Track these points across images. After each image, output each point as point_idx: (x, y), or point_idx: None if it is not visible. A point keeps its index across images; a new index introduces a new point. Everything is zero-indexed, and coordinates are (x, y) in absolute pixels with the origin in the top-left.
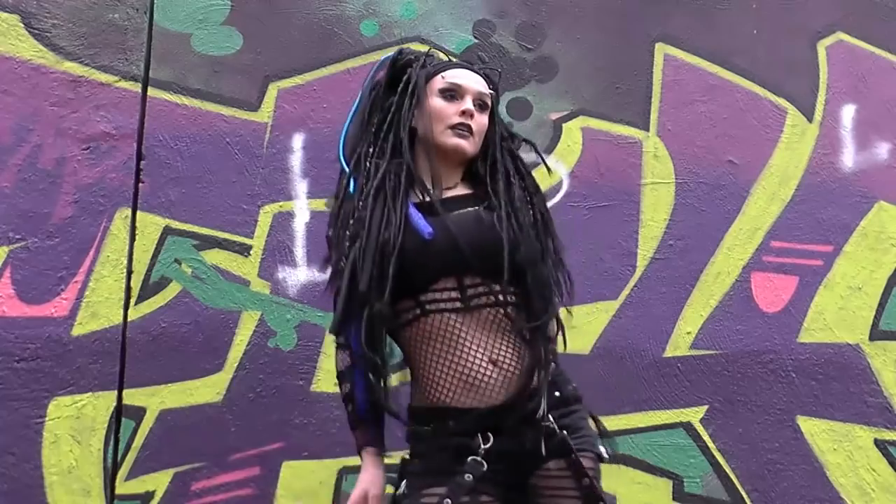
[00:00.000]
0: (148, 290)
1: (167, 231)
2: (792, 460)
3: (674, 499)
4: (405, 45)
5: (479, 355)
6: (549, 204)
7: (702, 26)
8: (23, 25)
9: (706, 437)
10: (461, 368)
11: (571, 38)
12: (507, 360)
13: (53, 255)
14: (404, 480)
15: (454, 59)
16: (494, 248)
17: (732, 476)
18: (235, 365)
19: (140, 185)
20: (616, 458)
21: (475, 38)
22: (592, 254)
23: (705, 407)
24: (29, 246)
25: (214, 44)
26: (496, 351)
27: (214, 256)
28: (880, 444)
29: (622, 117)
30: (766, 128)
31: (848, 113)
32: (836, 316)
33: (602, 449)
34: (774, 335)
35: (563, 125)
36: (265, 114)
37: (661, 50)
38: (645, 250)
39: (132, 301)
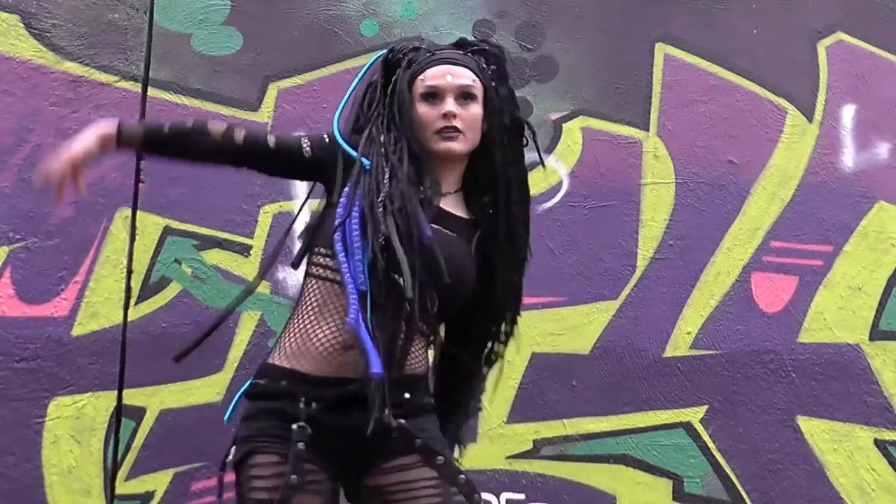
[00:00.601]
0: (148, 290)
1: (167, 231)
2: (792, 460)
3: (674, 499)
4: (400, 43)
5: (341, 335)
6: (549, 204)
7: (702, 26)
8: (23, 25)
9: (706, 437)
10: (323, 336)
11: (571, 38)
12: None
13: (53, 255)
14: (234, 447)
15: (440, 50)
16: (462, 286)
17: (732, 476)
18: (235, 365)
19: (140, 185)
20: (616, 458)
21: (475, 38)
22: (592, 254)
23: (705, 407)
24: (29, 246)
25: (214, 44)
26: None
27: (214, 256)
28: (880, 444)
29: (622, 117)
30: (766, 128)
31: (848, 113)
32: (836, 316)
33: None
34: (774, 335)
35: (563, 125)
36: (265, 114)
37: (661, 50)
38: (645, 250)
39: (132, 301)
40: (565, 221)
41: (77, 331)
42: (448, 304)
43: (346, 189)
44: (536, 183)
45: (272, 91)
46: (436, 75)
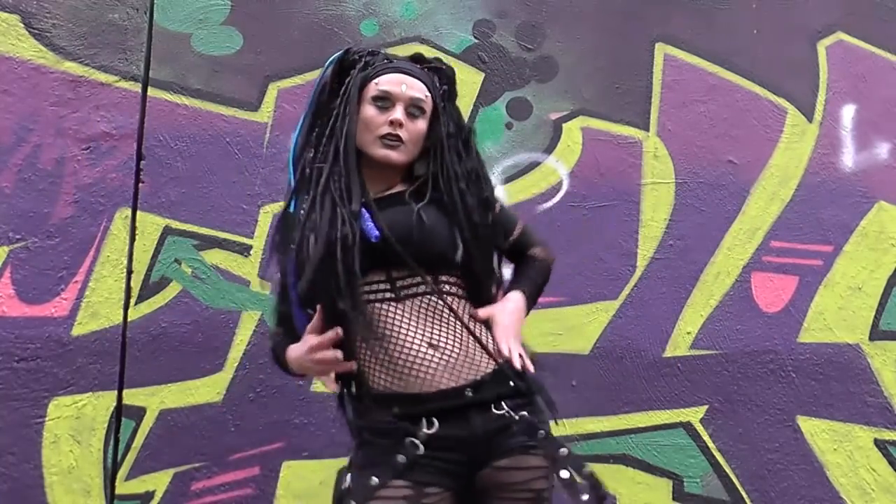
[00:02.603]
0: (148, 290)
1: (167, 231)
2: (792, 460)
3: (674, 499)
4: (357, 46)
5: (416, 340)
6: (549, 204)
7: (702, 26)
8: (23, 25)
9: (706, 437)
10: (400, 353)
11: (571, 38)
12: (447, 345)
13: (53, 255)
14: (348, 474)
15: (397, 60)
16: (424, 241)
17: (732, 476)
18: (235, 365)
19: (140, 185)
20: (616, 458)
21: (475, 38)
22: (592, 254)
23: (705, 407)
24: (29, 246)
25: (214, 44)
26: (434, 335)
27: (214, 256)
28: (880, 444)
29: (622, 117)
30: (766, 128)
31: (848, 113)
32: (836, 316)
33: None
34: (774, 335)
35: (563, 125)
36: (265, 114)
37: (661, 50)
38: (645, 250)
39: (132, 301)
40: (565, 221)
41: (77, 331)
42: (430, 261)
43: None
44: (536, 183)
45: (272, 91)
46: (391, 81)
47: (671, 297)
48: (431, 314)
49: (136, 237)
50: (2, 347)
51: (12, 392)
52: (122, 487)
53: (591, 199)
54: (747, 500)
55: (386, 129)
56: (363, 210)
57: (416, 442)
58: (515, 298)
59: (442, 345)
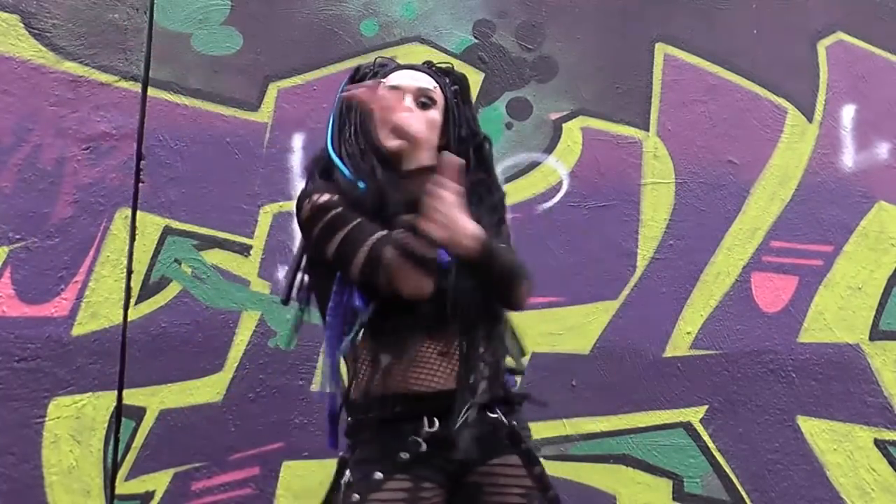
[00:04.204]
0: (148, 290)
1: (167, 231)
2: (792, 460)
3: (674, 499)
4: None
5: (424, 343)
6: (549, 204)
7: (702, 26)
8: (23, 25)
9: (706, 437)
10: (411, 359)
11: (571, 38)
12: (453, 350)
13: (53, 255)
14: (348, 470)
15: (403, 64)
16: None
17: (732, 476)
18: (235, 365)
19: (140, 185)
20: (616, 458)
21: (475, 38)
22: (592, 254)
23: (705, 407)
24: (29, 246)
25: (214, 44)
26: (441, 340)
27: (214, 256)
28: (880, 444)
29: (622, 117)
30: (766, 128)
31: (848, 113)
32: (836, 316)
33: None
34: (774, 335)
35: (563, 125)
36: (265, 114)
37: (661, 50)
38: (645, 250)
39: (132, 301)
40: (565, 221)
41: (77, 331)
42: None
43: None
44: (536, 183)
45: (272, 91)
46: (398, 77)
47: (671, 297)
48: (438, 319)
49: (136, 237)
50: (2, 347)
51: (12, 392)
52: (122, 487)
53: (591, 199)
54: (747, 500)
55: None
56: None
57: (419, 440)
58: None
59: (447, 348)
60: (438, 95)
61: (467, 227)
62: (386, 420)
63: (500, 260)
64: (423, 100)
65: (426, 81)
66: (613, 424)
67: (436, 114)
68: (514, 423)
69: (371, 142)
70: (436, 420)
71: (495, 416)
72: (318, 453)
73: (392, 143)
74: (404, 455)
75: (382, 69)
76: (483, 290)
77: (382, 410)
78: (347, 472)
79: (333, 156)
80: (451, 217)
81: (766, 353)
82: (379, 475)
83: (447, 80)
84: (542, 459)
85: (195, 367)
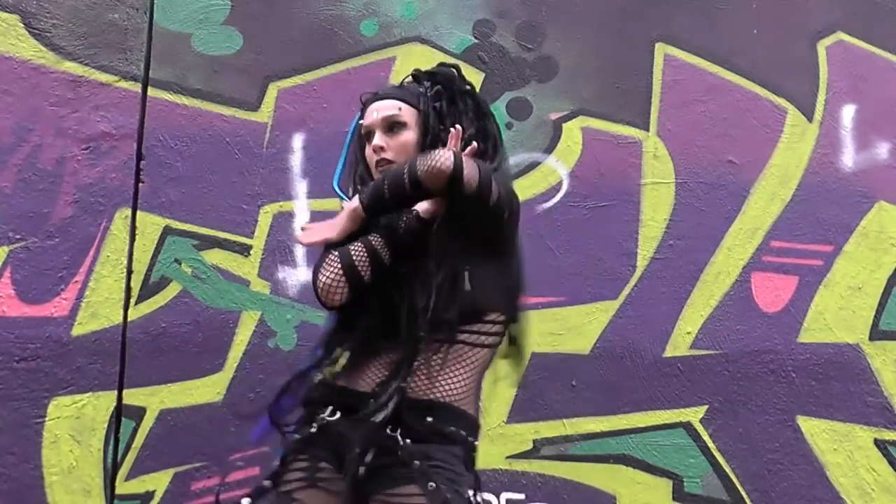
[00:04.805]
0: (148, 290)
1: (167, 231)
2: (792, 460)
3: (674, 499)
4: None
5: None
6: (549, 204)
7: (702, 26)
8: (23, 25)
9: (706, 437)
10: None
11: (571, 38)
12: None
13: (53, 255)
14: None
15: (385, 88)
16: None
17: (732, 476)
18: (235, 365)
19: (140, 185)
20: (616, 458)
21: (475, 38)
22: (592, 254)
23: (705, 407)
24: (29, 246)
25: (214, 44)
26: (393, 351)
27: (214, 256)
28: (880, 444)
29: (622, 117)
30: (766, 128)
31: (848, 113)
32: (836, 316)
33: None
34: (774, 335)
35: (563, 125)
36: (265, 114)
37: (661, 50)
38: (645, 250)
39: (132, 301)
40: (565, 221)
41: (77, 331)
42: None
43: None
44: (536, 183)
45: (272, 91)
46: (366, 116)
47: (671, 297)
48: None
49: (136, 237)
50: (2, 347)
51: (12, 392)
52: (122, 487)
53: (591, 199)
54: (747, 500)
55: (375, 158)
56: None
57: (314, 425)
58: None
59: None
60: (407, 114)
61: (336, 221)
62: (308, 404)
63: (377, 190)
64: (391, 127)
65: (389, 108)
66: (613, 424)
67: (409, 134)
68: (409, 448)
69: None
70: (338, 412)
71: (393, 435)
72: None
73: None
74: (295, 436)
75: (368, 103)
76: (413, 203)
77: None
78: None
79: (336, 187)
80: (318, 230)
81: (766, 353)
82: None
83: (427, 86)
84: (538, 462)
85: (195, 367)
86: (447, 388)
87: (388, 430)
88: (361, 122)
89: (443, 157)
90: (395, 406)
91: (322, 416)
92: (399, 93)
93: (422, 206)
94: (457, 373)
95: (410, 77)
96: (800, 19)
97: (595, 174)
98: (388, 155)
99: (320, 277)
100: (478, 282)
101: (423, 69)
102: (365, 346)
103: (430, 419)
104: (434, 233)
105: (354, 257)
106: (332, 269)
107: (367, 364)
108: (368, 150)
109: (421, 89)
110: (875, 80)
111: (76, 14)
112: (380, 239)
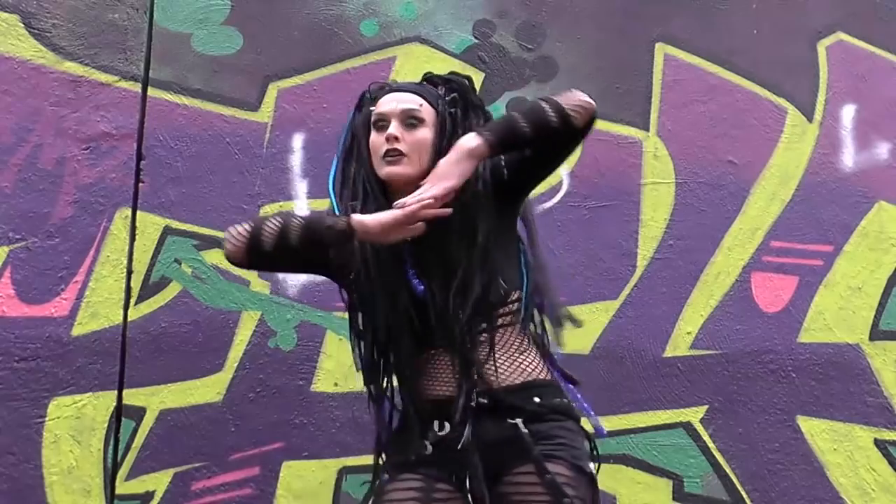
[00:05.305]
0: (148, 290)
1: (167, 231)
2: (792, 460)
3: (674, 499)
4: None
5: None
6: (549, 204)
7: (702, 26)
8: (23, 25)
9: (706, 437)
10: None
11: (571, 38)
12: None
13: (53, 255)
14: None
15: (400, 83)
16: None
17: (732, 476)
18: (235, 365)
19: (140, 185)
20: (616, 458)
21: (475, 38)
22: (592, 254)
23: (705, 407)
24: (29, 246)
25: (214, 44)
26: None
27: (214, 256)
28: (880, 444)
29: (622, 117)
30: (766, 128)
31: (848, 113)
32: (836, 316)
33: (585, 465)
34: (774, 335)
35: None
36: (265, 114)
37: (661, 50)
38: (645, 250)
39: (132, 301)
40: (565, 221)
41: (77, 331)
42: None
43: None
44: None
45: (272, 91)
46: (384, 102)
47: (671, 297)
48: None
49: (136, 237)
50: (2, 347)
51: (12, 392)
52: (122, 487)
53: (591, 199)
54: (747, 500)
55: (385, 147)
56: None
57: (425, 443)
58: (462, 140)
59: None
60: (426, 112)
61: (446, 169)
62: (405, 424)
63: (510, 126)
64: (409, 121)
65: (411, 101)
66: (613, 424)
67: (426, 132)
68: (526, 430)
69: (369, 171)
70: (446, 424)
71: (514, 422)
72: (318, 453)
73: (384, 170)
74: (411, 458)
75: (381, 92)
76: (543, 150)
77: (403, 414)
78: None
79: (331, 192)
80: (436, 183)
81: (766, 353)
82: (386, 476)
83: (442, 92)
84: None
85: (195, 367)
86: (529, 367)
87: (507, 421)
88: (374, 108)
89: (582, 94)
90: (494, 400)
91: (434, 432)
92: (420, 89)
93: (364, 219)
94: (522, 353)
95: (426, 77)
96: (800, 19)
97: (595, 174)
98: (402, 147)
99: (230, 228)
100: (502, 265)
101: (437, 74)
102: (410, 352)
103: (537, 399)
104: (462, 222)
105: (265, 225)
106: (243, 225)
107: (427, 366)
108: (376, 137)
109: (441, 92)
110: (875, 80)
111: (76, 14)
112: (301, 221)
